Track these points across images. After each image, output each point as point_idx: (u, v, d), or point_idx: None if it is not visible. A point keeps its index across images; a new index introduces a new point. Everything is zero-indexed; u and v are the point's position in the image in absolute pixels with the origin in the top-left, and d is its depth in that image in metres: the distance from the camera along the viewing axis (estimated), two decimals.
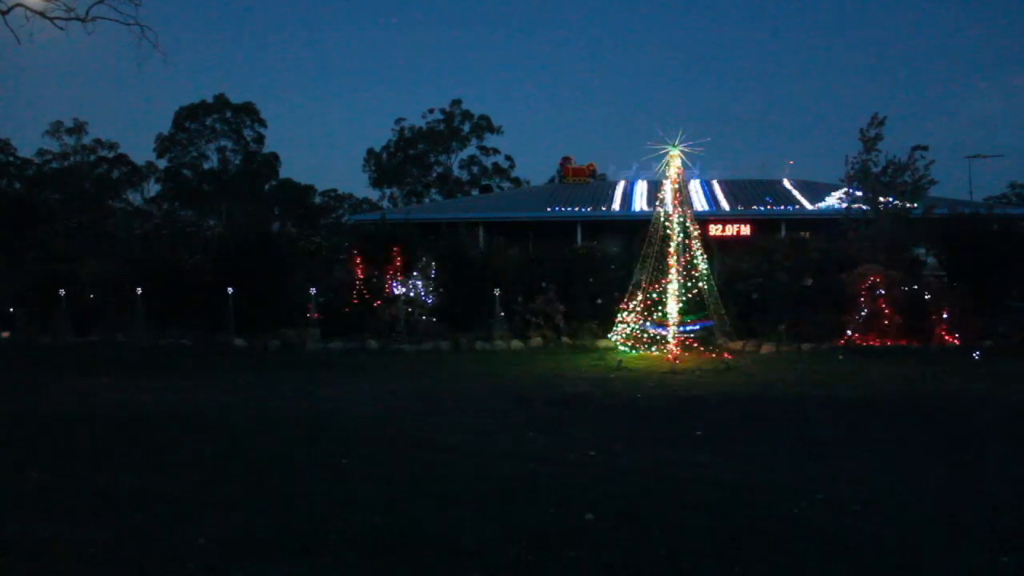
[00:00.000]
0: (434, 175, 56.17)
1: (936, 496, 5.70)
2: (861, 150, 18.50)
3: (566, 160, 34.54)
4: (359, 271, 18.31)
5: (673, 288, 15.05)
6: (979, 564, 4.41)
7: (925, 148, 18.19)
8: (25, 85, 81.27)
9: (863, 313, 15.21)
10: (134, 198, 54.31)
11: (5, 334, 18.68)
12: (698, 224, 15.88)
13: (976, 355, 14.43)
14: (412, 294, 17.34)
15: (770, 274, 17.50)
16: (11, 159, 50.77)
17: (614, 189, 30.61)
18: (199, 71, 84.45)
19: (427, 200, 52.61)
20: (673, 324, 14.99)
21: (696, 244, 15.44)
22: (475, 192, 53.48)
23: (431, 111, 55.72)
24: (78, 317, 18.45)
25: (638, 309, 15.50)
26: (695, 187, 28.80)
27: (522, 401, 9.96)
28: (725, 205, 27.42)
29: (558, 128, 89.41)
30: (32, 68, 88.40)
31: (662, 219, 15.61)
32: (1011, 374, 12.38)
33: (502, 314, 16.56)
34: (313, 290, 16.49)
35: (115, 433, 8.26)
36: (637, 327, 15.50)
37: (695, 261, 15.40)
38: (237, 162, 54.54)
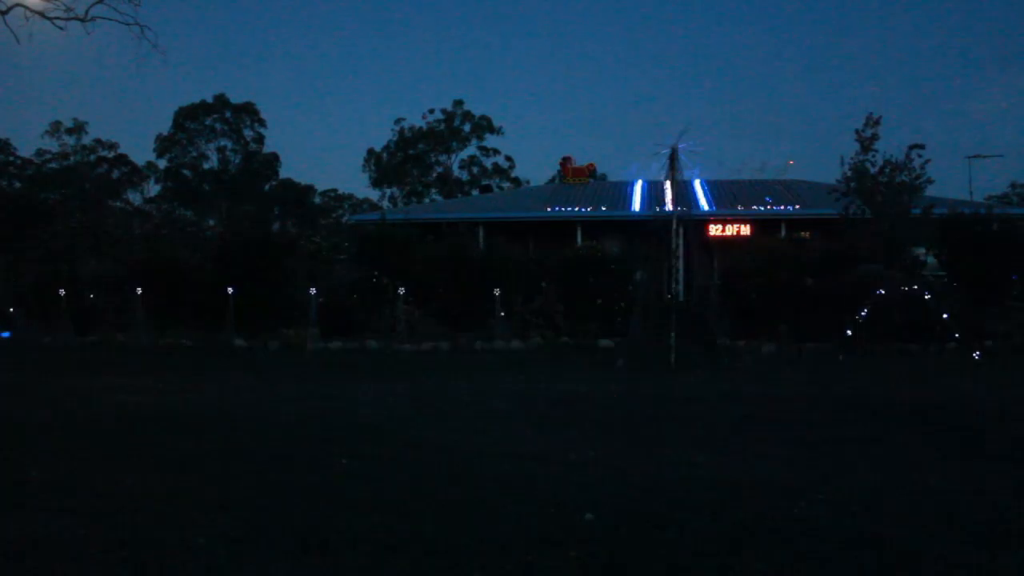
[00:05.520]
0: (434, 175, 56.14)
1: (936, 496, 5.70)
2: (858, 150, 18.49)
3: (566, 160, 34.49)
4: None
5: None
6: (979, 564, 4.41)
7: (922, 147, 18.16)
8: (25, 85, 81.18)
9: (863, 313, 15.21)
10: (134, 198, 54.25)
11: (5, 334, 18.69)
12: (698, 224, 15.87)
13: (976, 355, 14.44)
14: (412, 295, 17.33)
15: (770, 274, 17.51)
16: (11, 159, 50.73)
17: (614, 189, 30.62)
18: (199, 71, 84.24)
19: (427, 200, 52.56)
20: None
21: (695, 244, 15.43)
22: (475, 192, 53.43)
23: (431, 111, 55.68)
24: (78, 317, 18.45)
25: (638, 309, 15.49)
26: (695, 187, 28.82)
27: (522, 401, 9.95)
28: (725, 205, 27.40)
29: (558, 128, 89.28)
30: (32, 68, 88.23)
31: (662, 219, 15.60)
32: (1011, 375, 12.38)
33: (502, 314, 16.56)
34: (313, 290, 16.48)
35: (115, 433, 8.26)
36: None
37: (693, 261, 15.40)
38: (237, 162, 54.49)
